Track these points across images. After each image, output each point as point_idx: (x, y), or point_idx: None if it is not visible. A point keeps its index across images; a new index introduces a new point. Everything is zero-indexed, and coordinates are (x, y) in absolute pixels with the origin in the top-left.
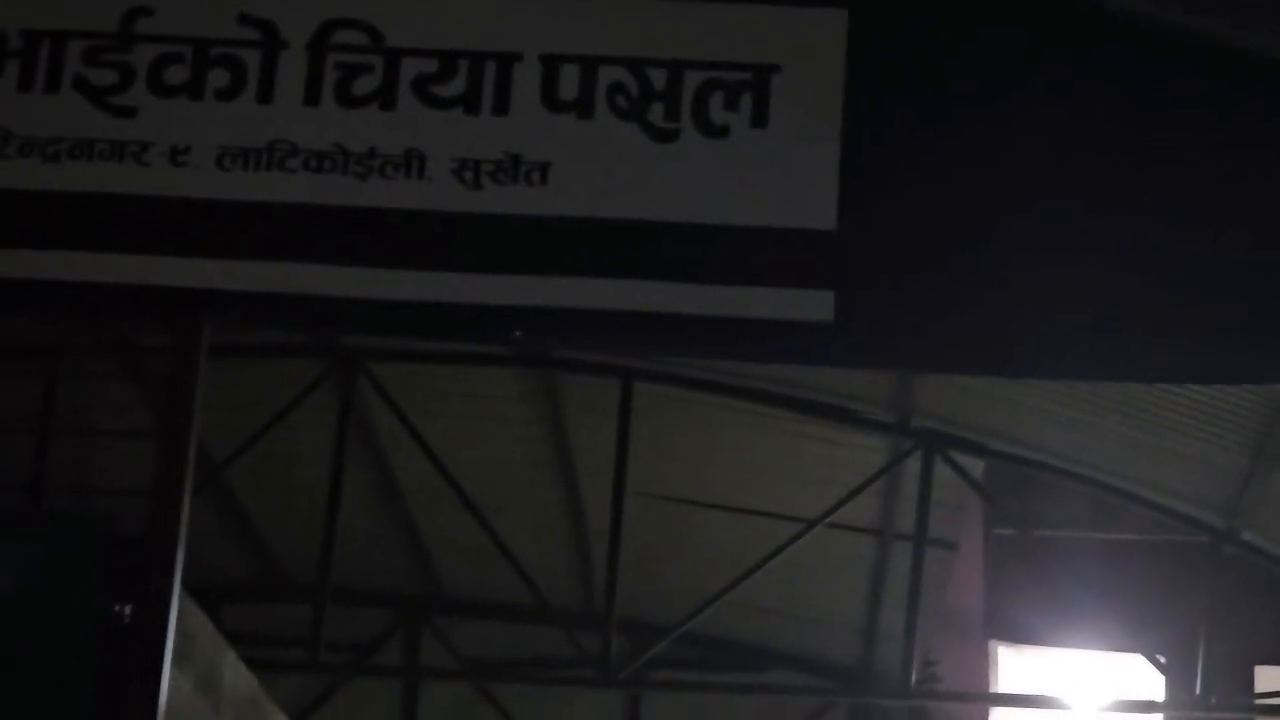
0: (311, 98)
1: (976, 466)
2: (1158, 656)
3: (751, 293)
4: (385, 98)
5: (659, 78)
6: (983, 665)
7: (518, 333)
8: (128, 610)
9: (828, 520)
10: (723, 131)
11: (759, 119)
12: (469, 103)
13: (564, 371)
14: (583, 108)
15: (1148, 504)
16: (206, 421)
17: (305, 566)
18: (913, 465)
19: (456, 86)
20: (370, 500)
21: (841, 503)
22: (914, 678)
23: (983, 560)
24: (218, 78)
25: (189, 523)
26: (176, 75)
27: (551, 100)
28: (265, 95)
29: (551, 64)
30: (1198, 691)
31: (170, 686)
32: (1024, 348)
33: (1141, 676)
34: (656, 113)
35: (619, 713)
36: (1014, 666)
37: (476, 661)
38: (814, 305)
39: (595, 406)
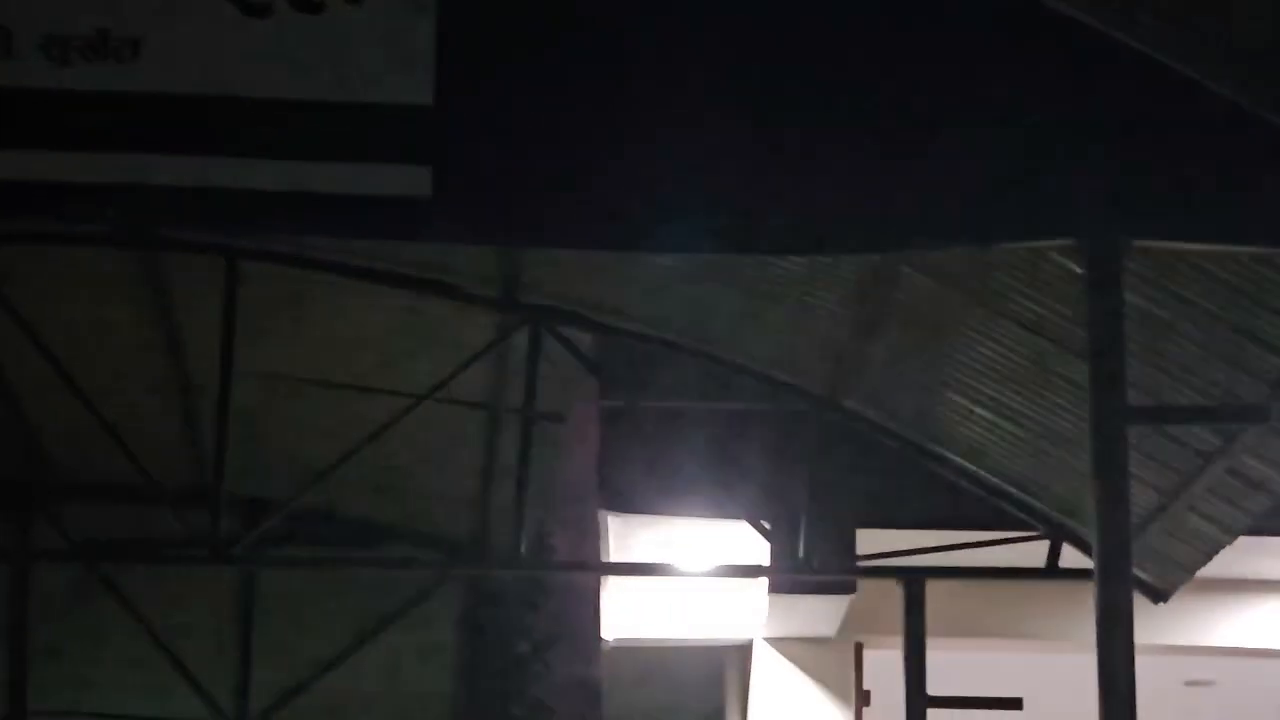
0: None
1: (585, 340)
2: (763, 523)
3: (349, 169)
4: None
5: None
6: (595, 535)
7: (111, 211)
8: None
9: (437, 395)
10: (316, 7)
11: None
12: None
13: (167, 251)
14: None
15: (752, 374)
16: None
17: None
18: (521, 340)
19: None
20: None
21: (449, 378)
22: (526, 549)
23: (593, 432)
24: None
25: None
26: None
27: None
28: None
29: None
30: (801, 555)
31: None
32: (626, 222)
33: (748, 542)
34: None
35: (233, 590)
36: (625, 535)
37: (89, 544)
38: (411, 180)
39: (200, 285)
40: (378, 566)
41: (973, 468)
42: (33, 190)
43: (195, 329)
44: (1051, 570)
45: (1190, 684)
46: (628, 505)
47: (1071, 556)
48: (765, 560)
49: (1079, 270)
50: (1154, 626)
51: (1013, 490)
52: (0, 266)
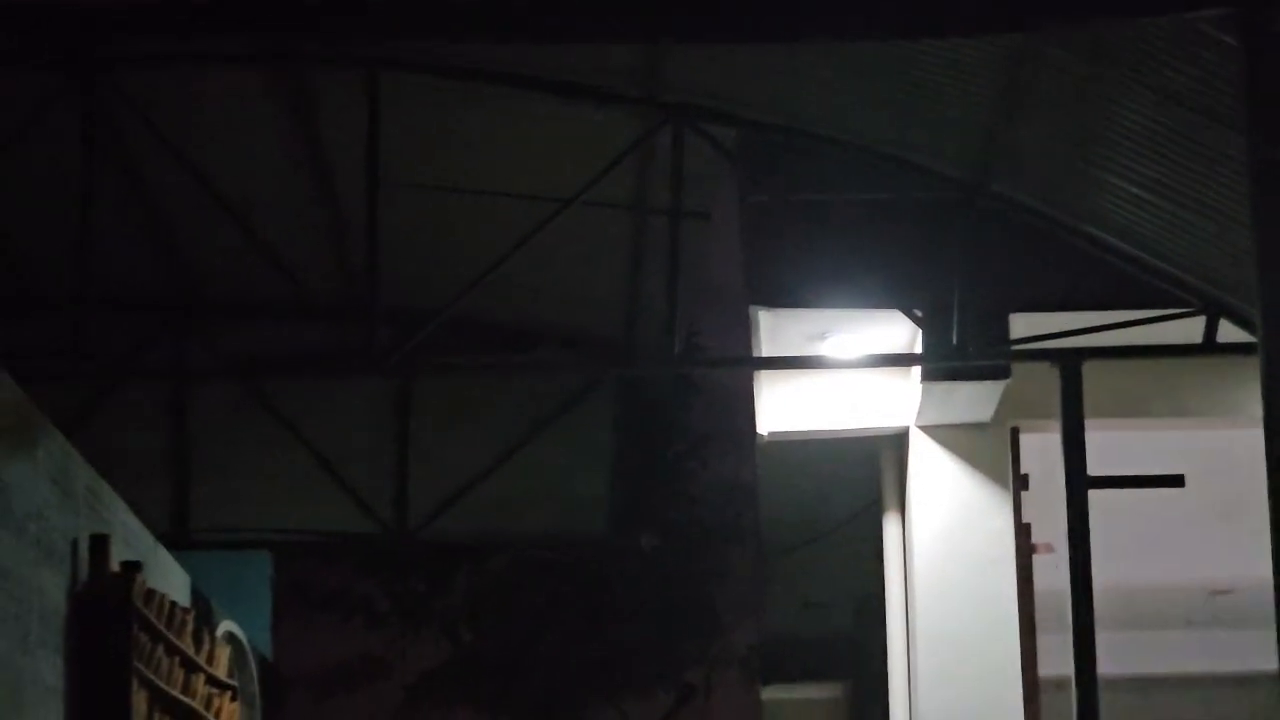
0: None
1: (728, 135)
2: (915, 310)
3: None
4: None
5: None
6: (744, 330)
7: (252, 28)
8: None
9: (582, 198)
10: None
11: None
12: None
13: (309, 66)
14: None
15: (899, 162)
16: None
17: (60, 278)
18: (664, 139)
19: None
20: (123, 208)
21: (594, 180)
22: (677, 347)
23: (739, 228)
24: None
25: None
26: None
27: None
28: None
29: None
30: (955, 342)
31: None
32: (764, 13)
33: (900, 330)
34: None
35: (388, 401)
36: (776, 329)
37: (242, 360)
38: None
39: (343, 99)
40: (532, 370)
41: (1126, 246)
42: (174, 9)
43: (341, 143)
44: (1209, 345)
45: None
46: (777, 299)
47: (1228, 331)
48: (918, 348)
49: (1232, 41)
50: None
51: (1167, 267)
52: (144, 89)
